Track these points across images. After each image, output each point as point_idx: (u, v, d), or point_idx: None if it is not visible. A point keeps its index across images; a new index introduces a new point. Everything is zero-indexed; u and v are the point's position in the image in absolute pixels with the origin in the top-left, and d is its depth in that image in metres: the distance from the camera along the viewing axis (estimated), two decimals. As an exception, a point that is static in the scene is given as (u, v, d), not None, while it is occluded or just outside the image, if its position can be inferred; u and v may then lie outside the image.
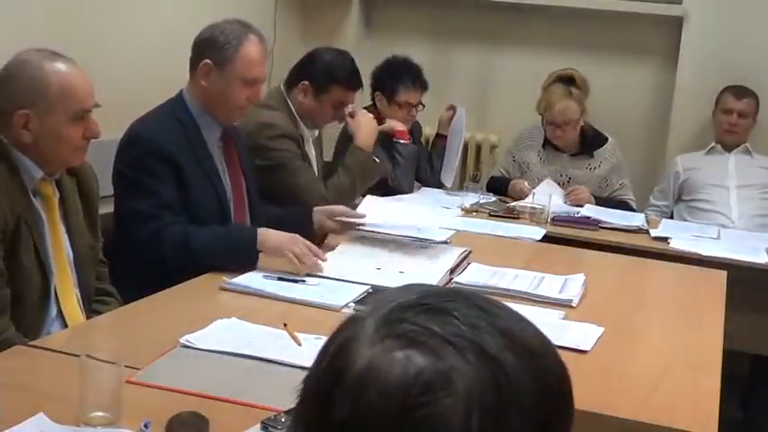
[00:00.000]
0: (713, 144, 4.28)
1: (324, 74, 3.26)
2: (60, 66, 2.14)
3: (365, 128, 3.38)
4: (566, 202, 3.96)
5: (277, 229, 2.64)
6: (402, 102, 3.99)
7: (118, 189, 2.66)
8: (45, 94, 2.10)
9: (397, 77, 4.00)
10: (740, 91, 4.25)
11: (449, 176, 4.20)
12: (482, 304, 0.74)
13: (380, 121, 4.01)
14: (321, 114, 3.33)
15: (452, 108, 4.31)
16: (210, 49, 2.70)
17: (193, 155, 2.67)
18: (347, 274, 2.56)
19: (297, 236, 2.61)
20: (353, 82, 3.37)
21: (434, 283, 2.55)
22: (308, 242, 2.61)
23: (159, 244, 2.53)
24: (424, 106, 4.09)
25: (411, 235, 2.83)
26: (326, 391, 0.71)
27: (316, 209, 2.89)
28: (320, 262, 2.57)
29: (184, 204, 2.62)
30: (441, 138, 4.30)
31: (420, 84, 4.04)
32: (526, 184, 4.08)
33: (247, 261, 2.55)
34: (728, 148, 4.24)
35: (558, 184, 4.15)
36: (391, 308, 0.73)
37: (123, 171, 2.62)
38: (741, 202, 4.08)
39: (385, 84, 4.00)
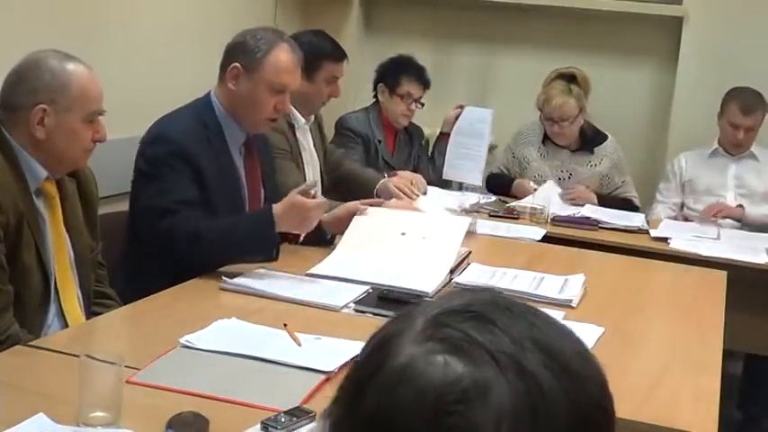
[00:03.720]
0: (716, 146, 4.20)
1: (311, 54, 3.24)
2: (78, 66, 2.18)
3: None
4: (564, 202, 3.95)
5: None
6: (404, 93, 4.03)
7: (136, 188, 2.65)
8: (65, 92, 2.13)
9: (402, 69, 4.06)
10: (748, 106, 4.02)
11: (474, 176, 4.19)
12: (529, 317, 0.74)
13: (382, 115, 4.05)
14: (318, 94, 3.36)
15: (461, 107, 4.31)
16: (241, 53, 2.68)
17: (215, 159, 2.65)
18: (347, 274, 2.56)
19: (290, 198, 2.54)
20: (340, 52, 3.46)
21: (435, 283, 2.56)
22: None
23: (171, 236, 2.50)
24: (423, 105, 4.10)
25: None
26: (363, 382, 0.71)
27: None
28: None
29: (203, 207, 2.60)
30: (444, 136, 4.30)
31: (423, 80, 4.08)
32: (531, 183, 4.07)
33: (266, 244, 2.53)
34: (732, 152, 4.20)
35: (560, 179, 4.15)
36: (439, 310, 0.73)
37: (144, 169, 2.61)
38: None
39: (388, 75, 4.04)
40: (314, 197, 2.58)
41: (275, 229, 2.51)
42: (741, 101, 4.03)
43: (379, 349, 0.73)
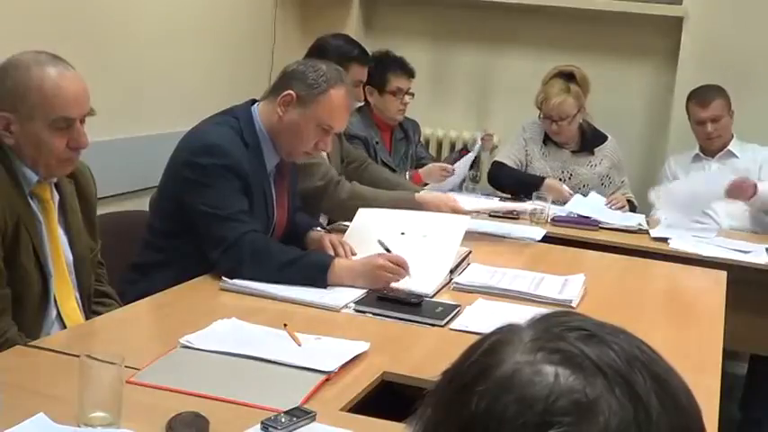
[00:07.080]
0: (696, 152, 4.19)
1: (339, 56, 3.22)
2: (49, 71, 2.06)
3: (437, 203, 3.24)
4: (609, 207, 3.94)
5: None
6: (395, 89, 4.02)
7: (183, 190, 2.57)
8: (25, 100, 2.04)
9: (386, 66, 4.04)
10: (704, 98, 4.06)
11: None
12: (642, 346, 0.74)
13: (374, 117, 4.05)
14: None
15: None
16: (298, 82, 2.62)
17: (256, 179, 2.62)
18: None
19: (373, 259, 2.56)
20: (367, 57, 3.47)
21: (434, 283, 2.57)
22: (387, 257, 2.56)
23: (240, 243, 2.47)
24: (413, 95, 4.10)
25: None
26: (468, 384, 0.71)
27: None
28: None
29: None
30: (464, 150, 4.28)
31: (408, 70, 4.08)
32: (565, 186, 4.05)
33: (318, 284, 2.49)
34: (711, 153, 4.17)
35: (560, 180, 4.15)
36: (553, 325, 0.73)
37: (194, 178, 2.54)
38: (730, 215, 4.02)
39: (374, 76, 4.00)
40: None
41: (326, 281, 2.49)
42: (697, 97, 4.10)
43: (486, 354, 0.72)
